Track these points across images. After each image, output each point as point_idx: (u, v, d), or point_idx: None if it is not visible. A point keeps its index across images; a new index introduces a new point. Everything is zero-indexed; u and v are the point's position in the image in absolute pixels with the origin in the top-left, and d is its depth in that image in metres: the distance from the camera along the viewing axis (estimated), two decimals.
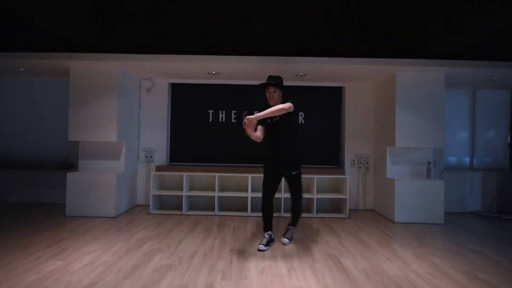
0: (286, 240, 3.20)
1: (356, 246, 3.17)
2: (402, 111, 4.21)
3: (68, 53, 4.01)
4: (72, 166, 4.81)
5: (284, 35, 4.07)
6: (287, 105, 2.87)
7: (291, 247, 3.13)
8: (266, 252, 2.97)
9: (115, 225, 3.75)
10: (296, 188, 3.13)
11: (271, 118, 3.00)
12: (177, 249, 2.99)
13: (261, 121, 2.99)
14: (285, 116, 2.95)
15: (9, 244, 2.99)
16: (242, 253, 2.91)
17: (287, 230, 3.32)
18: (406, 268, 2.64)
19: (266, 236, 3.12)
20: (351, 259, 2.82)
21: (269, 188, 3.10)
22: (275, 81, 3.05)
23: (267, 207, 3.11)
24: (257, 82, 5.00)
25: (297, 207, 3.18)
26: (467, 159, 5.17)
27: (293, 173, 3.07)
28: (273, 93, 3.03)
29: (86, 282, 2.25)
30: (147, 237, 3.32)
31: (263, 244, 3.02)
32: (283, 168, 3.08)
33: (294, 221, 3.25)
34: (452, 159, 5.16)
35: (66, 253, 2.81)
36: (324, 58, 4.05)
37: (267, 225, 3.16)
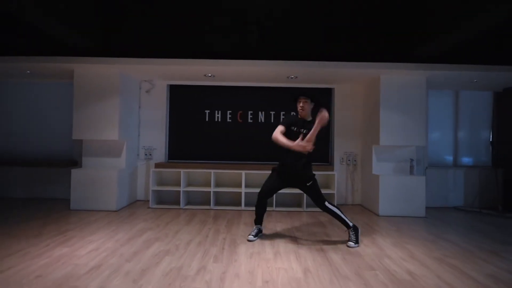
0: (351, 244, 3.09)
1: (339, 236, 3.44)
2: (386, 111, 4.48)
3: (72, 57, 4.28)
4: (75, 163, 5.08)
5: (276, 40, 4.35)
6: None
7: (279, 236, 3.39)
8: (256, 240, 3.24)
9: (117, 218, 4.02)
10: (315, 195, 3.16)
11: (301, 129, 3.06)
12: (174, 238, 3.26)
13: (288, 129, 3.10)
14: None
15: (20, 234, 3.26)
16: (233, 241, 3.18)
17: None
18: (381, 253, 2.91)
19: (256, 228, 3.36)
20: (332, 246, 3.09)
21: (269, 189, 3.23)
22: (306, 94, 3.15)
23: (260, 205, 3.29)
24: (251, 84, 5.28)
25: (328, 211, 3.14)
26: (451, 157, 5.44)
27: (308, 184, 3.12)
28: (304, 103, 3.11)
29: (92, 265, 2.52)
30: (147, 228, 3.59)
31: (252, 235, 3.27)
32: (298, 181, 3.16)
33: (343, 224, 3.17)
34: (437, 156, 5.43)
35: (72, 241, 3.08)
36: (314, 62, 4.31)
37: (258, 220, 3.38)
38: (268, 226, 3.83)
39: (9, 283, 2.20)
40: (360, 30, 4.24)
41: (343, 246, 3.10)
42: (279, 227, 3.79)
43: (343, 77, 4.79)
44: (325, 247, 3.08)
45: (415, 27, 4.09)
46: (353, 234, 3.14)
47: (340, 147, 5.27)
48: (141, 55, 4.34)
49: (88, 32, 4.05)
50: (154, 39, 4.34)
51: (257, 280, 2.31)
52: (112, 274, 2.35)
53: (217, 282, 2.26)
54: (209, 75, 4.73)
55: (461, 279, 2.39)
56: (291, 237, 3.39)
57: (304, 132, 3.02)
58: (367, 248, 3.05)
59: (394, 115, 4.48)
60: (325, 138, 5.37)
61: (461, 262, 2.74)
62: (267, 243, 3.16)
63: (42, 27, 3.67)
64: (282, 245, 3.09)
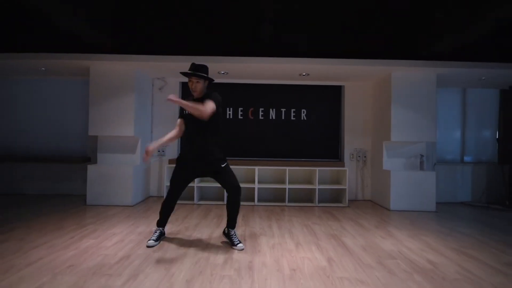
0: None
1: (355, 229, 3.52)
2: (397, 108, 4.56)
3: (88, 53, 4.33)
4: (89, 159, 5.13)
5: (288, 37, 4.42)
6: (207, 110, 2.59)
7: (297, 229, 3.46)
8: (275, 231, 3.31)
9: (134, 212, 4.08)
10: (229, 179, 2.84)
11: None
12: (195, 231, 3.33)
13: (181, 113, 2.89)
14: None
15: (41, 228, 3.30)
16: (253, 234, 3.25)
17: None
18: (399, 244, 2.98)
19: (158, 231, 2.98)
20: (350, 238, 3.16)
21: (181, 185, 2.95)
22: (199, 70, 2.75)
23: (168, 205, 3.00)
24: (262, 81, 5.35)
25: (237, 204, 2.91)
26: (459, 154, 5.53)
27: (223, 166, 2.81)
28: (196, 83, 2.76)
29: (121, 255, 2.58)
30: None
31: (153, 240, 2.85)
32: (210, 165, 2.80)
33: (232, 223, 2.94)
34: (444, 153, 5.51)
35: (95, 234, 3.13)
36: (326, 59, 4.39)
37: (163, 221, 3.02)
38: (284, 219, 3.90)
39: (42, 272, 2.24)
40: (372, 28, 4.32)
41: (360, 237, 3.17)
42: (295, 221, 3.85)
43: (355, 75, 4.87)
44: (343, 238, 3.15)
45: (426, 25, 4.17)
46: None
47: (350, 144, 5.34)
48: (154, 52, 4.40)
49: (104, 28, 4.11)
50: (169, 36, 4.39)
51: (284, 268, 2.38)
52: (143, 263, 2.42)
53: (246, 270, 2.32)
54: (223, 72, 4.80)
55: (481, 267, 2.47)
56: (309, 229, 3.46)
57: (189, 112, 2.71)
58: (384, 240, 3.13)
59: (405, 112, 4.56)
60: (334, 134, 5.45)
61: (478, 252, 2.82)
62: (286, 235, 3.23)
63: (58, 22, 3.71)
64: (301, 237, 3.16)
